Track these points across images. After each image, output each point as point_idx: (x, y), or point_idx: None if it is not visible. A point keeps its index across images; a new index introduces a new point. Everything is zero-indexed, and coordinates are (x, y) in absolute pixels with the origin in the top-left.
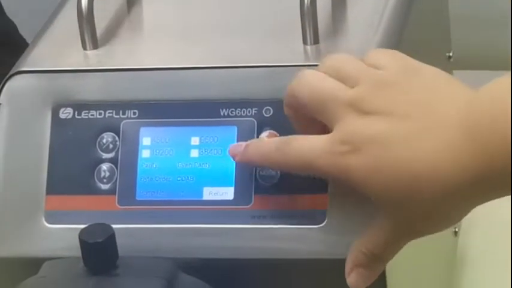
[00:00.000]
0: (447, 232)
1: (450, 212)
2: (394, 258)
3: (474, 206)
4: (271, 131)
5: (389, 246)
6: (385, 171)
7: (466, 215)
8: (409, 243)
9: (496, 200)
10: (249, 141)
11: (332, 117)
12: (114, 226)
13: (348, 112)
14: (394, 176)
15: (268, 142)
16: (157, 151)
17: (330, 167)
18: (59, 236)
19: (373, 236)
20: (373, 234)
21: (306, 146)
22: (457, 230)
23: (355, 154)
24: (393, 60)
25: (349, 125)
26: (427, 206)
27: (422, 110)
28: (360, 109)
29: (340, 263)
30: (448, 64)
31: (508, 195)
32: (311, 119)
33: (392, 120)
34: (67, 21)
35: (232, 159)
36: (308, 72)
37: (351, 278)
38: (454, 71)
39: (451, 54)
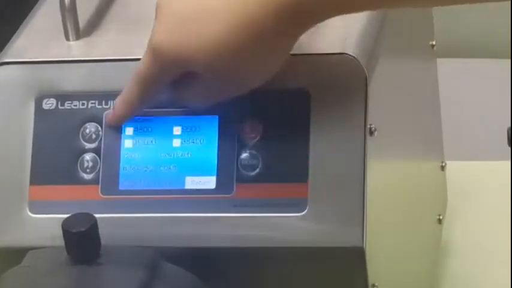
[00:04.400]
0: (431, 220)
1: (263, 55)
2: (377, 245)
3: (286, 45)
4: (253, 120)
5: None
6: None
7: (281, 58)
8: (391, 231)
9: (481, 189)
10: None
11: None
12: (97, 215)
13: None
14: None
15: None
16: (140, 141)
17: (147, 58)
18: (42, 225)
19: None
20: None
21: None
22: (441, 217)
23: (157, 26)
24: None
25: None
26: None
27: None
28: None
29: (321, 251)
30: (431, 53)
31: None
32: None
33: None
34: (50, 12)
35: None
36: None
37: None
38: (438, 59)
39: (434, 43)
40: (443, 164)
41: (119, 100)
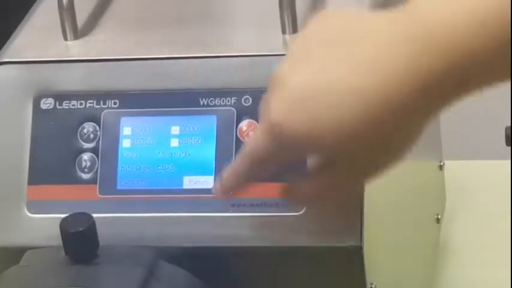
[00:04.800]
0: (429, 219)
1: (400, 133)
2: (375, 245)
3: (426, 119)
4: (250, 120)
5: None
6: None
7: (423, 131)
8: (389, 230)
9: (479, 188)
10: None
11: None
12: (95, 215)
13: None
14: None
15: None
16: (138, 140)
17: (263, 135)
18: (40, 225)
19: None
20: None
21: (253, 137)
22: (439, 217)
23: (275, 101)
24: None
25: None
26: (376, 133)
27: (345, 36)
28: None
29: (319, 251)
30: None
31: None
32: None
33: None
34: (48, 12)
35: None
36: None
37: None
38: None
39: None
40: (442, 164)
41: (230, 171)
